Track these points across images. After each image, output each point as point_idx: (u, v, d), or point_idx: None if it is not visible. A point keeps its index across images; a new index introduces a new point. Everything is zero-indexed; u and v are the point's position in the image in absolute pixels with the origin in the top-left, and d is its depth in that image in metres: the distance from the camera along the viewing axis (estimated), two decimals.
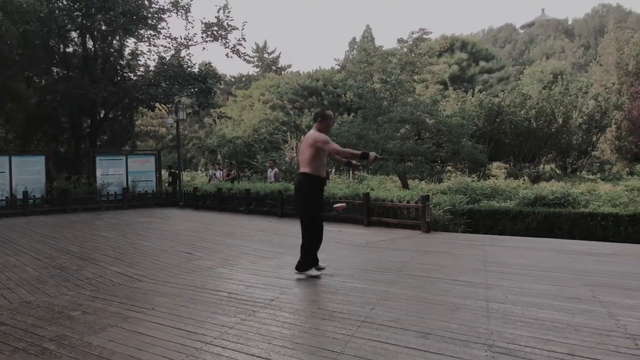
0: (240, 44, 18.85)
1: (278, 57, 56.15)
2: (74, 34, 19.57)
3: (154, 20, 18.07)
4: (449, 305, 4.45)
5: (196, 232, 10.05)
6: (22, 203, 14.11)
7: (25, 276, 5.94)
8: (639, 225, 10.39)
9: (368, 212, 10.68)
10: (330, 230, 9.93)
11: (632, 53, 38.61)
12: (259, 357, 3.29)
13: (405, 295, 4.85)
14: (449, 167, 25.47)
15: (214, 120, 21.38)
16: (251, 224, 11.45)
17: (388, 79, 17.91)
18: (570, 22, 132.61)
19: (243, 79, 50.96)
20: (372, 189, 13.05)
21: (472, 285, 5.18)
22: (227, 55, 19.81)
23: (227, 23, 18.34)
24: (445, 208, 10.11)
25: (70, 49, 20.52)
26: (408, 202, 10.03)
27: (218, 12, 18.25)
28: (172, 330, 3.83)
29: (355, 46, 58.06)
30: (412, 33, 18.00)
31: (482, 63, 36.19)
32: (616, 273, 5.70)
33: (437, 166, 22.36)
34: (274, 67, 53.22)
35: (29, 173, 15.00)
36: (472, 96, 25.62)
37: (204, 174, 29.21)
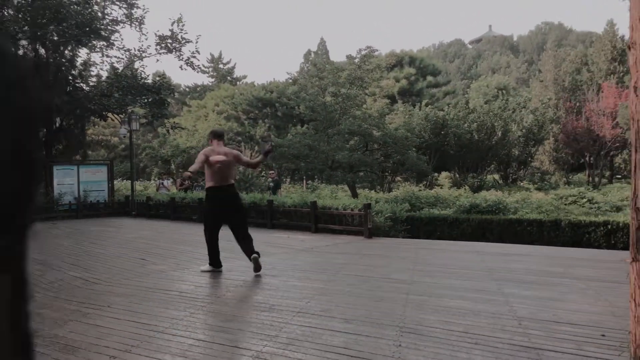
0: (195, 57, 19.24)
1: (233, 67, 56.50)
2: (24, 42, 19.47)
3: (107, 32, 18.22)
4: (375, 298, 5.13)
5: (149, 240, 10.41)
6: None
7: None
8: (559, 230, 11.48)
9: (315, 219, 11.31)
10: (278, 237, 10.55)
11: (569, 70, 41.21)
12: (204, 341, 3.85)
13: (338, 290, 5.51)
14: (398, 177, 26.57)
15: (167, 131, 21.58)
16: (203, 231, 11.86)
17: (338, 92, 18.74)
18: (515, 39, 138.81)
19: (198, 89, 50.96)
20: (319, 198, 13.70)
21: (398, 281, 5.89)
22: (180, 67, 20.09)
23: (181, 36, 18.70)
24: (386, 215, 10.88)
25: (20, 52, 20.33)
26: (352, 209, 10.75)
27: (172, 25, 18.61)
28: (127, 322, 4.33)
29: (310, 58, 59.09)
30: (360, 50, 18.96)
31: (429, 78, 37.87)
32: (522, 270, 6.56)
33: (387, 176, 23.35)
34: (229, 78, 53.48)
35: None
36: (420, 110, 26.90)
37: (155, 183, 29.21)
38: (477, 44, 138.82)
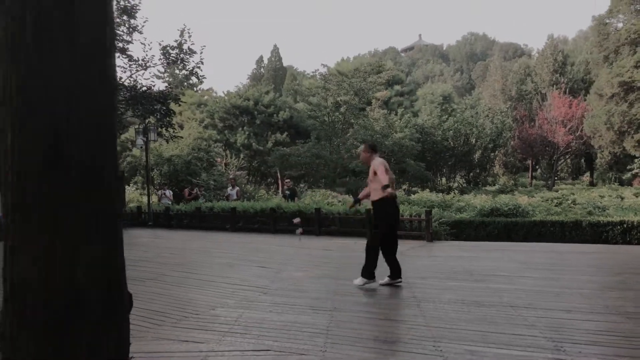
0: (199, 67, 19.43)
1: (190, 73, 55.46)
2: None
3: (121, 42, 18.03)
4: (539, 287, 6.05)
5: (211, 248, 10.74)
6: None
7: (144, 289, 6.54)
8: (580, 229, 13.00)
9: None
10: (344, 243, 11.22)
11: (514, 80, 44.51)
12: (490, 332, 4.60)
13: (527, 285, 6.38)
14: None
15: (167, 140, 21.38)
16: (256, 240, 12.30)
17: (342, 102, 19.61)
18: (445, 48, 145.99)
19: (178, 96, 49.56)
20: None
21: (514, 277, 6.82)
22: (187, 77, 20.16)
23: (188, 47, 18.83)
24: (440, 220, 11.87)
25: None
26: (411, 215, 11.67)
27: (180, 36, 18.68)
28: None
29: (263, 64, 59.40)
30: (369, 64, 19.97)
31: (396, 87, 39.68)
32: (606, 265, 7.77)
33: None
34: (185, 84, 52.62)
35: None
36: (400, 118, 28.33)
37: (138, 193, 28.57)
38: (410, 51, 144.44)
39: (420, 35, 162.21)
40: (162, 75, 55.15)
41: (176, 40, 18.80)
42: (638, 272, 7.21)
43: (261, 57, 60.88)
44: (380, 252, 6.54)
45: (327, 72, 22.37)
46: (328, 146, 19.25)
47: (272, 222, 13.92)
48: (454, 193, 22.30)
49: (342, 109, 19.72)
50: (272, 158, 21.09)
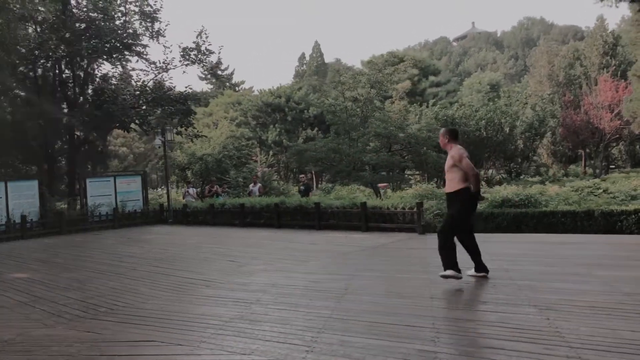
0: (218, 67, 19.85)
1: (232, 73, 57.00)
2: (43, 60, 19.87)
3: (135, 46, 18.77)
4: (490, 284, 5.83)
5: (216, 244, 11.01)
6: (20, 227, 14.43)
7: (113, 285, 6.84)
8: (592, 219, 12.31)
9: (366, 219, 12.01)
10: (335, 237, 11.22)
11: (562, 65, 42.38)
12: (376, 322, 4.52)
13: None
14: (416, 175, 27.55)
15: (191, 140, 22.09)
16: (257, 235, 12.49)
17: (359, 96, 19.48)
18: (499, 35, 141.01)
19: (198, 96, 51.35)
20: (340, 199, 14.38)
21: (495, 269, 6.56)
22: (205, 77, 20.68)
23: (206, 48, 19.29)
24: (435, 212, 11.59)
25: (39, 72, 20.76)
26: (404, 208, 11.46)
27: (197, 37, 19.19)
28: (292, 312, 4.98)
29: (305, 61, 59.77)
30: (382, 56, 19.73)
31: (431, 77, 38.84)
32: (593, 256, 7.33)
33: (408, 175, 24.09)
34: (228, 84, 54.01)
35: (23, 197, 15.33)
36: (428, 109, 27.73)
37: (174, 191, 29.66)
38: (462, 40, 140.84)
39: (473, 23, 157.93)
40: (205, 76, 57.05)
41: (194, 42, 19.32)
42: (574, 263, 6.77)
43: (303, 54, 61.36)
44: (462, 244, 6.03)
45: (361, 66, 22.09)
46: (347, 140, 19.16)
47: (277, 217, 14.07)
48: (482, 185, 21.60)
49: (359, 103, 19.58)
50: (288, 154, 21.22)
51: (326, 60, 58.07)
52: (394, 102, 26.90)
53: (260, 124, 33.52)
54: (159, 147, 19.03)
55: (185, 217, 17.10)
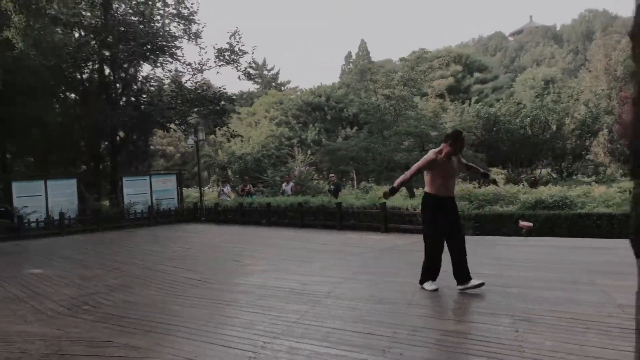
0: (251, 67, 20.05)
1: (277, 73, 57.72)
2: (91, 63, 20.75)
3: (170, 48, 19.25)
4: (476, 291, 5.54)
5: (231, 243, 11.10)
6: (58, 223, 15.12)
7: (112, 283, 7.00)
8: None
9: (385, 220, 11.76)
10: (350, 237, 11.06)
11: (620, 58, 40.04)
12: (337, 329, 4.37)
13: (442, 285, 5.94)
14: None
15: (227, 139, 22.50)
16: (278, 235, 12.51)
17: (391, 94, 19.13)
18: (558, 28, 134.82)
19: (244, 96, 52.33)
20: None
21: (489, 276, 6.23)
22: (239, 78, 20.98)
23: (239, 48, 19.54)
24: None
25: (86, 75, 21.70)
26: (415, 209, 11.15)
27: (230, 38, 19.47)
28: (262, 315, 4.90)
29: (351, 60, 59.52)
30: (414, 52, 19.31)
31: (476, 74, 37.63)
32: (606, 262, 6.83)
33: None
34: (273, 84, 54.69)
35: (62, 195, 16.04)
36: (470, 107, 26.87)
37: (212, 190, 30.29)
38: (518, 35, 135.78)
39: (531, 16, 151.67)
40: (253, 77, 57.98)
41: (228, 42, 19.61)
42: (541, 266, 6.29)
43: (349, 53, 61.10)
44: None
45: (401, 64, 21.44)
46: (380, 139, 18.88)
47: (300, 217, 14.04)
48: (523, 185, 20.72)
49: (391, 101, 19.21)
50: (320, 153, 21.07)
51: (373, 59, 57.62)
52: (429, 99, 26.20)
53: (301, 123, 33.66)
54: (191, 147, 19.43)
55: (217, 215, 17.39)
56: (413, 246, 9.36)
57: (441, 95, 28.31)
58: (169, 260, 9.01)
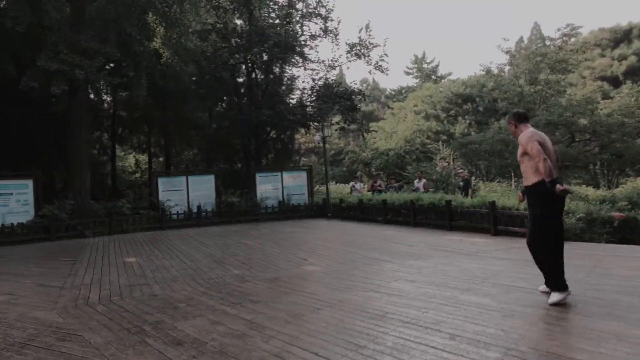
0: (383, 60, 19.57)
1: (437, 66, 55.57)
2: (242, 66, 22.37)
3: (305, 48, 19.79)
4: (508, 312, 4.52)
5: (323, 241, 10.90)
6: (196, 215, 16.58)
7: (167, 275, 7.34)
8: None
9: (494, 221, 10.43)
10: (450, 240, 10.03)
11: None
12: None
13: (469, 302, 4.99)
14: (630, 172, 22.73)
15: (362, 134, 22.38)
16: (382, 233, 11.94)
17: (536, 79, 16.88)
18: None
19: (402, 92, 51.58)
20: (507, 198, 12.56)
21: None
22: (369, 72, 20.71)
23: (369, 42, 19.21)
24: (578, 216, 9.44)
25: (240, 79, 23.49)
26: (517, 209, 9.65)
27: (360, 32, 19.25)
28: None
29: (523, 45, 54.55)
30: (558, 29, 16.78)
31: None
32: None
33: (607, 171, 20.06)
34: (432, 77, 52.83)
35: (202, 190, 17.57)
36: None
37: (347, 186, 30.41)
38: None
39: None
40: (410, 71, 56.81)
41: (359, 37, 19.42)
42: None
43: (521, 38, 55.98)
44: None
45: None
46: None
47: (412, 215, 13.24)
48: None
49: (536, 88, 16.90)
50: (450, 147, 19.31)
51: (548, 43, 51.50)
52: (585, 84, 22.32)
53: (451, 116, 31.75)
54: (319, 143, 19.70)
55: (341, 211, 17.37)
56: (506, 253, 8.12)
57: (614, 79, 23.87)
58: (231, 256, 9.16)
